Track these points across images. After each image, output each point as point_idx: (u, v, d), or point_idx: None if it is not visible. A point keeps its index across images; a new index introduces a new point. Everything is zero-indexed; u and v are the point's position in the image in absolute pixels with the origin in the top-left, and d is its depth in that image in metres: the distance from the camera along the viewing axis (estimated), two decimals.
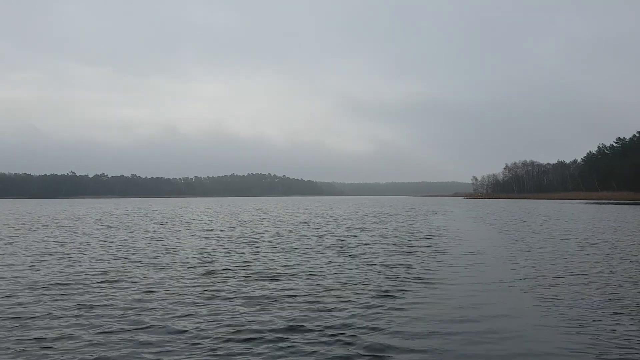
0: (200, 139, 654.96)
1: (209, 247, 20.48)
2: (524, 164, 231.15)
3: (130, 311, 9.56)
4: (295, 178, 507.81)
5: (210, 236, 26.14)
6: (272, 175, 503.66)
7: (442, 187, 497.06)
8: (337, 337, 7.83)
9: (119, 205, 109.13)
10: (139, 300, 10.48)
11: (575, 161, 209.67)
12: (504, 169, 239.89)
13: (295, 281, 12.62)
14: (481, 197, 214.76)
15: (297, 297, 10.71)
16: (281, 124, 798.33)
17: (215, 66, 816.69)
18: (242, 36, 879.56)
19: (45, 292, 11.38)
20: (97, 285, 12.20)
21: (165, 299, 10.58)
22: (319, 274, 13.72)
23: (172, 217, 49.62)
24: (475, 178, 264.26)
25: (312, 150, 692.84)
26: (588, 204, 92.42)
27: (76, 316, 9.20)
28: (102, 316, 9.19)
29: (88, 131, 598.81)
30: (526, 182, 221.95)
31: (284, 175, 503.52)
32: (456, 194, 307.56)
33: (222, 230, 30.16)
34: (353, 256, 17.49)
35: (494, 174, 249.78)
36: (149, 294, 11.08)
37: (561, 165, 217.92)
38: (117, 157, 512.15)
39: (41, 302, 10.32)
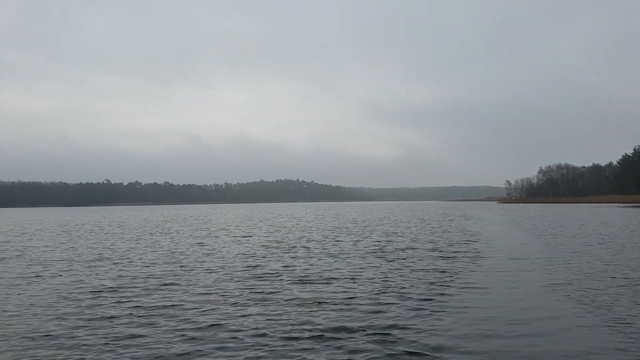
0: (224, 146, 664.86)
1: (251, 252, 21.22)
2: (559, 167, 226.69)
3: (190, 312, 10.25)
4: (323, 184, 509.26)
5: (249, 241, 26.93)
6: (300, 181, 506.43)
7: (474, 191, 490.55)
8: (382, 338, 8.28)
9: (155, 212, 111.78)
10: (196, 302, 11.19)
11: (610, 164, 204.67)
12: (538, 172, 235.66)
13: (338, 284, 13.16)
14: (515, 201, 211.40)
15: (341, 300, 11.23)
16: (305, 130, 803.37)
17: (238, 74, 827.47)
18: (264, 44, 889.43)
19: (107, 295, 12.22)
20: (155, 288, 12.99)
21: (220, 301, 11.25)
22: (360, 278, 14.24)
23: (208, 223, 50.83)
24: (508, 182, 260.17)
25: (337, 156, 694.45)
26: (625, 208, 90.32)
27: (139, 317, 9.93)
28: (164, 316, 9.91)
29: (116, 140, 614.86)
30: (561, 186, 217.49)
31: (312, 181, 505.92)
32: (489, 199, 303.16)
33: (260, 236, 30.96)
34: (392, 261, 17.95)
35: (527, 178, 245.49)
36: (204, 296, 11.79)
37: (596, 168, 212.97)
38: (145, 165, 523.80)
39: (104, 305, 11.13)
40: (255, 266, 16.85)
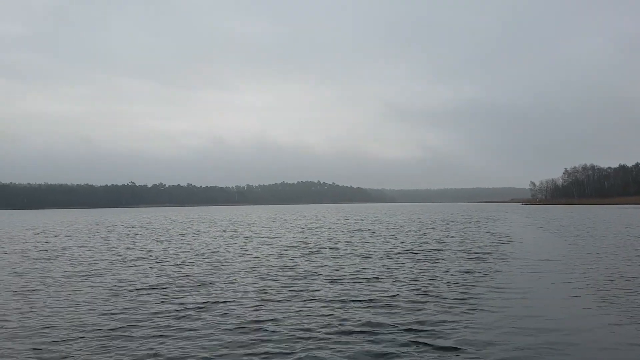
0: (246, 148, 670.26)
1: (282, 253, 21.83)
2: (584, 168, 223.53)
3: (234, 309, 10.85)
4: (344, 185, 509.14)
5: (279, 243, 27.57)
6: (321, 182, 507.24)
7: (498, 193, 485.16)
8: (416, 337, 8.67)
9: (180, 213, 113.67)
10: (240, 299, 11.81)
11: (637, 165, 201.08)
12: (564, 173, 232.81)
13: (371, 284, 13.64)
14: (540, 202, 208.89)
15: (375, 299, 11.70)
16: (325, 132, 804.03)
17: (259, 77, 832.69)
18: (284, 47, 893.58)
19: (152, 292, 12.93)
20: (197, 286, 13.66)
21: (262, 299, 11.84)
22: (393, 277, 14.69)
23: (234, 224, 51.75)
24: (533, 183, 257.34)
25: (357, 158, 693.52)
26: None
27: (186, 313, 10.56)
28: (209, 312, 10.52)
29: (141, 143, 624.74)
30: (587, 187, 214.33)
31: (333, 183, 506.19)
32: (513, 200, 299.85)
33: (288, 237, 31.60)
34: (422, 261, 18.36)
35: (552, 179, 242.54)
36: (246, 294, 12.40)
37: (623, 169, 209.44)
38: (168, 167, 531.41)
39: (150, 302, 11.82)
40: (290, 266, 17.39)
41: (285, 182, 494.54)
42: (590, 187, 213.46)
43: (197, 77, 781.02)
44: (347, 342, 8.33)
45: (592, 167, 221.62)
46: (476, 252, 21.24)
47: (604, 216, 62.79)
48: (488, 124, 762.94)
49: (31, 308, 11.15)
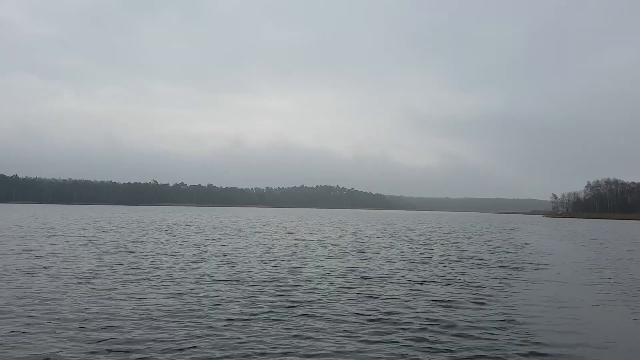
0: (266, 151, 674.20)
1: (339, 255, 23.52)
2: (607, 182, 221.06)
3: (310, 305, 12.51)
4: (363, 191, 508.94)
5: (326, 245, 29.19)
6: (340, 187, 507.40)
7: (519, 204, 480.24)
8: (465, 334, 10.08)
9: (208, 213, 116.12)
10: (325, 297, 13.47)
11: None
12: (586, 187, 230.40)
13: (432, 286, 15.24)
14: (561, 215, 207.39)
15: (425, 297, 13.30)
16: (346, 137, 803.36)
17: (282, 82, 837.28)
18: (306, 53, 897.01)
19: (235, 287, 14.66)
20: (280, 284, 15.35)
21: (345, 295, 13.49)
22: (443, 282, 16.27)
23: (269, 226, 53.49)
24: (554, 196, 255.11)
25: (377, 164, 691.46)
26: None
27: (264, 313, 12.25)
28: (302, 307, 12.20)
29: (164, 143, 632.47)
30: (609, 202, 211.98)
31: (352, 188, 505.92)
32: (534, 212, 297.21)
33: (333, 238, 33.23)
34: (462, 272, 19.87)
35: (574, 192, 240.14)
36: (317, 293, 14.06)
37: None
38: (190, 167, 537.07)
39: (234, 297, 13.53)
40: (352, 269, 18.87)
41: (305, 185, 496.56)
42: (612, 201, 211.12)
43: (223, 81, 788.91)
44: (405, 339, 9.90)
45: (615, 182, 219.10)
46: (512, 261, 22.75)
47: (628, 231, 63.26)
48: (511, 134, 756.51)
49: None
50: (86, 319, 10.05)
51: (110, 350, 8.13)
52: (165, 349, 8.28)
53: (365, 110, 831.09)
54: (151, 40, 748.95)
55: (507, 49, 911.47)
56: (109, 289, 13.40)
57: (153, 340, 8.69)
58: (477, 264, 21.27)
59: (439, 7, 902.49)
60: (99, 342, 8.57)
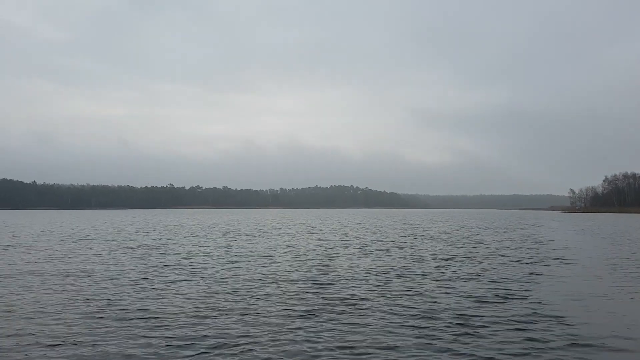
0: (278, 152, 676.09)
1: (366, 254, 24.19)
2: (625, 176, 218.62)
3: (361, 300, 13.20)
4: (377, 190, 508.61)
5: (351, 244, 29.86)
6: (354, 187, 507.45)
7: (536, 200, 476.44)
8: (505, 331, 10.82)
9: (228, 215, 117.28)
10: (369, 295, 14.15)
11: None
12: (604, 181, 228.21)
13: (468, 282, 15.84)
14: (580, 211, 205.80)
15: (462, 293, 13.90)
16: (357, 137, 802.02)
17: (292, 82, 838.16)
18: (317, 53, 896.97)
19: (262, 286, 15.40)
20: (326, 283, 16.06)
21: (392, 293, 14.16)
22: (476, 278, 16.85)
23: (291, 226, 54.28)
24: (572, 191, 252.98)
25: (390, 163, 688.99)
26: None
27: (320, 300, 12.93)
28: (347, 305, 12.89)
29: (178, 146, 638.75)
30: (627, 196, 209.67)
31: (366, 187, 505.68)
32: (552, 208, 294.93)
33: (357, 238, 33.90)
34: (492, 269, 20.42)
35: (592, 187, 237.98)
36: (357, 291, 14.74)
37: None
38: (203, 170, 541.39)
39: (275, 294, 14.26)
40: (388, 272, 19.60)
41: (318, 186, 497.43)
42: (631, 195, 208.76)
43: (232, 83, 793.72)
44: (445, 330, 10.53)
45: (634, 176, 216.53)
46: (537, 257, 23.24)
47: None
48: (525, 130, 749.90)
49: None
50: (147, 318, 10.79)
51: (170, 346, 8.82)
52: (224, 345, 8.93)
53: (374, 109, 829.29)
54: (161, 42, 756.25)
55: (515, 43, 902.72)
56: (162, 289, 14.18)
57: (212, 337, 9.37)
58: (503, 260, 21.79)
59: (443, 4, 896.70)
60: (163, 338, 9.29)
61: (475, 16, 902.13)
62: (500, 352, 8.58)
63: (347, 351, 8.58)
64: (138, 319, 10.69)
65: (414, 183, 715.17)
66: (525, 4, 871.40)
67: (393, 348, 8.78)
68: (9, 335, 9.38)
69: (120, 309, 11.58)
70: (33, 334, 9.46)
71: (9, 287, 14.67)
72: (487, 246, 29.47)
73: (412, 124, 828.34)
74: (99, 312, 11.32)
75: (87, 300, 12.62)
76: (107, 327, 10.03)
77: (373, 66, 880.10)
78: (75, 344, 8.85)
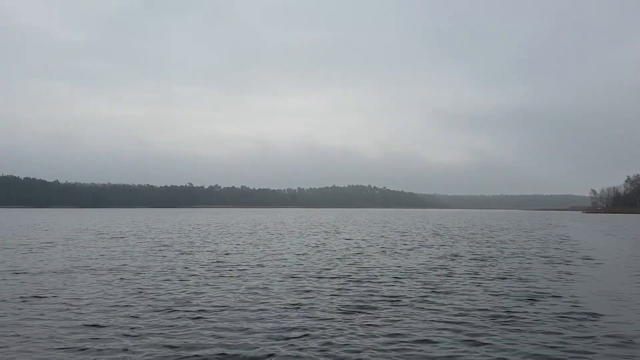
0: (294, 152, 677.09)
1: (395, 253, 24.83)
2: None
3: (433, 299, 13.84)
4: (394, 190, 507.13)
5: (380, 244, 30.51)
6: (371, 187, 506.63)
7: (556, 200, 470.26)
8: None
9: (250, 214, 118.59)
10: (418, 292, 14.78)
11: None
12: (626, 181, 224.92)
13: (510, 281, 16.39)
14: (601, 211, 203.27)
15: (503, 293, 14.46)
16: (374, 136, 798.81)
17: (307, 82, 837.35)
18: (330, 52, 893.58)
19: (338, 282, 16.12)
20: (344, 280, 16.76)
21: (411, 293, 14.80)
22: (510, 278, 17.39)
23: (315, 226, 55.05)
24: (593, 191, 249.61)
25: (407, 162, 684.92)
26: None
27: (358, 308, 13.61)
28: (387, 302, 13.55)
29: (195, 146, 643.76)
30: None
31: (384, 187, 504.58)
32: (573, 208, 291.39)
33: (385, 240, 34.51)
34: (514, 264, 20.90)
35: (614, 187, 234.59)
36: (393, 289, 15.39)
37: None
38: (221, 169, 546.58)
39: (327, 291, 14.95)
40: (426, 267, 20.24)
41: (336, 185, 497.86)
42: None
43: (248, 83, 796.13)
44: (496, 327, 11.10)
45: None
46: (567, 258, 23.65)
47: None
48: (544, 129, 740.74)
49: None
50: (202, 310, 11.57)
51: (223, 337, 9.55)
52: (278, 336, 9.61)
53: (390, 109, 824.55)
54: (178, 44, 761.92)
55: (531, 41, 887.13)
56: (205, 284, 14.98)
57: (266, 329, 10.10)
58: (533, 260, 22.20)
59: (457, 4, 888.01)
60: (217, 330, 10.05)
61: (490, 15, 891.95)
62: (545, 349, 8.99)
63: (396, 345, 9.14)
64: (200, 311, 11.45)
65: (432, 183, 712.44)
66: (540, 2, 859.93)
67: (436, 343, 9.25)
68: (86, 325, 10.19)
69: (181, 303, 12.37)
70: (109, 326, 10.25)
71: (70, 282, 15.56)
72: (515, 246, 29.87)
73: (429, 123, 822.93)
74: (162, 305, 12.11)
75: (148, 295, 13.45)
76: (171, 319, 10.81)
77: (388, 66, 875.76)
78: (151, 335, 9.62)
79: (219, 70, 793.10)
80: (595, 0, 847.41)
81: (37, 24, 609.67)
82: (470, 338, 9.56)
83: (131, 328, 10.04)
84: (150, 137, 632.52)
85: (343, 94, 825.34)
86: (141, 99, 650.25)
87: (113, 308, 11.82)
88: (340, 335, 9.67)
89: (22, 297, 13.01)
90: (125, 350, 8.65)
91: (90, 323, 10.38)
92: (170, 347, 8.92)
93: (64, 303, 12.28)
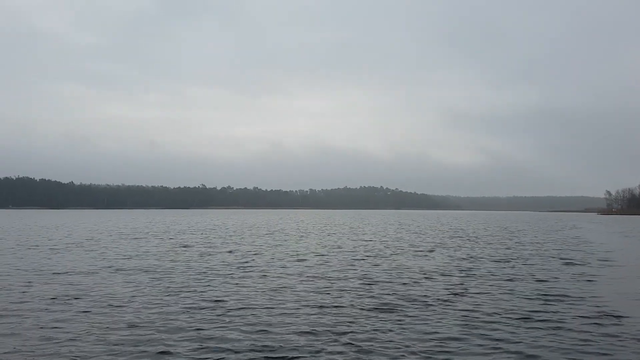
0: (306, 153, 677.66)
1: (418, 254, 25.07)
2: None
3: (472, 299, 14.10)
4: (407, 191, 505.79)
5: (396, 244, 30.74)
6: (384, 188, 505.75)
7: (570, 201, 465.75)
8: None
9: (264, 216, 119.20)
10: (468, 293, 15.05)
11: None
12: None
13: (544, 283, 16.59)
14: (616, 213, 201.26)
15: (529, 294, 14.65)
16: (386, 137, 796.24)
17: (319, 84, 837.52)
18: (341, 53, 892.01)
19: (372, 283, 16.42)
20: (373, 280, 17.05)
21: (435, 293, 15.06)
22: (533, 279, 17.56)
23: (332, 226, 55.37)
24: (608, 192, 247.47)
25: (419, 163, 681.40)
26: None
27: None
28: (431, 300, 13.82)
29: (206, 147, 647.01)
30: None
31: (396, 189, 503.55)
32: (587, 210, 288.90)
33: (406, 242, 34.73)
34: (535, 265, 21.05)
35: (629, 189, 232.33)
36: (423, 290, 15.64)
37: None
38: (233, 171, 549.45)
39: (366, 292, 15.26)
40: (447, 268, 20.48)
41: (348, 187, 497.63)
42: None
43: (260, 85, 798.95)
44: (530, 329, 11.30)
45: None
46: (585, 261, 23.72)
47: None
48: (557, 129, 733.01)
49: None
50: (231, 308, 11.91)
51: (253, 333, 9.87)
52: (305, 333, 9.92)
53: (402, 109, 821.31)
54: (191, 46, 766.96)
55: (544, 40, 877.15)
56: (232, 283, 15.34)
57: (295, 327, 10.40)
58: (553, 262, 22.31)
59: (470, 3, 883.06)
60: (248, 325, 10.38)
61: (503, 15, 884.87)
62: (570, 349, 9.14)
63: (422, 343, 9.39)
64: (230, 309, 11.80)
65: (444, 184, 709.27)
66: (554, 1, 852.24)
67: (463, 340, 9.52)
68: (126, 323, 10.58)
69: (212, 302, 12.74)
70: (147, 324, 10.63)
71: (103, 282, 16.00)
72: (534, 248, 29.95)
73: (441, 124, 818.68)
74: (192, 304, 12.48)
75: (178, 293, 13.85)
76: (205, 316, 11.18)
77: (400, 66, 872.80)
78: (198, 329, 10.05)
79: (232, 72, 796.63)
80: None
81: (52, 27, 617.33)
82: (498, 338, 9.75)
83: (166, 325, 10.41)
84: (164, 138, 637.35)
85: (355, 94, 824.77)
86: (154, 101, 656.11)
87: (147, 307, 12.20)
88: (366, 333, 9.94)
89: (63, 296, 13.41)
90: (163, 346, 9.00)
91: (129, 321, 10.76)
92: (206, 339, 9.36)
93: (102, 302, 12.68)
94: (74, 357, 8.42)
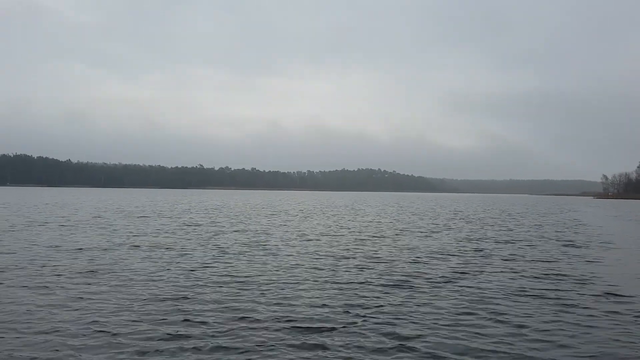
0: (305, 134, 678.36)
1: (424, 235, 25.59)
2: None
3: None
4: (404, 174, 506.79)
5: (399, 226, 31.27)
6: (382, 170, 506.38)
7: (567, 185, 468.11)
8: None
9: (264, 196, 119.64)
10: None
11: None
12: (638, 167, 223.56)
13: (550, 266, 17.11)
14: (612, 197, 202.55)
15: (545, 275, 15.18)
16: (385, 120, 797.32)
17: (320, 66, 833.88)
18: (343, 36, 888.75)
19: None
20: (390, 261, 17.54)
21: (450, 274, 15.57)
22: (541, 260, 18.09)
23: (333, 208, 55.89)
24: (605, 177, 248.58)
25: (417, 146, 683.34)
26: None
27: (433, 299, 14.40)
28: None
29: (204, 127, 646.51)
30: None
31: (394, 171, 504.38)
32: (584, 193, 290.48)
33: (409, 224, 35.25)
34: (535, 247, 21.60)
35: (625, 173, 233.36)
36: (438, 270, 16.15)
37: None
38: (231, 151, 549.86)
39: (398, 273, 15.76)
40: (452, 249, 21.03)
41: (345, 169, 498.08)
42: None
43: (259, 66, 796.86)
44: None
45: None
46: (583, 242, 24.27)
47: None
48: (555, 114, 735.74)
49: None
50: (247, 285, 12.34)
51: (272, 307, 10.35)
52: (320, 308, 10.36)
53: (401, 93, 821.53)
54: (191, 27, 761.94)
55: (545, 25, 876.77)
56: (245, 261, 15.81)
57: (311, 302, 10.86)
58: (555, 244, 22.84)
59: None
60: (269, 300, 10.87)
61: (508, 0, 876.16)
62: (580, 328, 9.55)
63: (432, 319, 9.84)
64: (255, 284, 12.24)
65: (442, 167, 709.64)
66: None
67: (475, 315, 9.92)
68: (146, 298, 11.02)
69: (236, 276, 13.21)
70: (169, 298, 11.09)
71: (119, 258, 16.40)
72: (534, 230, 30.51)
73: (440, 107, 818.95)
74: (208, 279, 12.92)
75: (194, 270, 14.29)
76: (229, 290, 11.60)
77: (400, 50, 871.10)
78: (208, 302, 10.45)
79: (232, 53, 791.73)
80: None
81: (53, 5, 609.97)
82: (505, 313, 10.15)
83: (187, 299, 10.81)
84: (162, 118, 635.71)
85: (354, 77, 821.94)
86: (154, 81, 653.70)
87: (172, 281, 12.65)
88: (381, 312, 10.13)
89: (87, 272, 13.78)
90: (186, 320, 9.27)
91: (154, 294, 11.20)
92: (232, 310, 9.84)
93: (122, 277, 13.09)
94: (105, 324, 8.87)
